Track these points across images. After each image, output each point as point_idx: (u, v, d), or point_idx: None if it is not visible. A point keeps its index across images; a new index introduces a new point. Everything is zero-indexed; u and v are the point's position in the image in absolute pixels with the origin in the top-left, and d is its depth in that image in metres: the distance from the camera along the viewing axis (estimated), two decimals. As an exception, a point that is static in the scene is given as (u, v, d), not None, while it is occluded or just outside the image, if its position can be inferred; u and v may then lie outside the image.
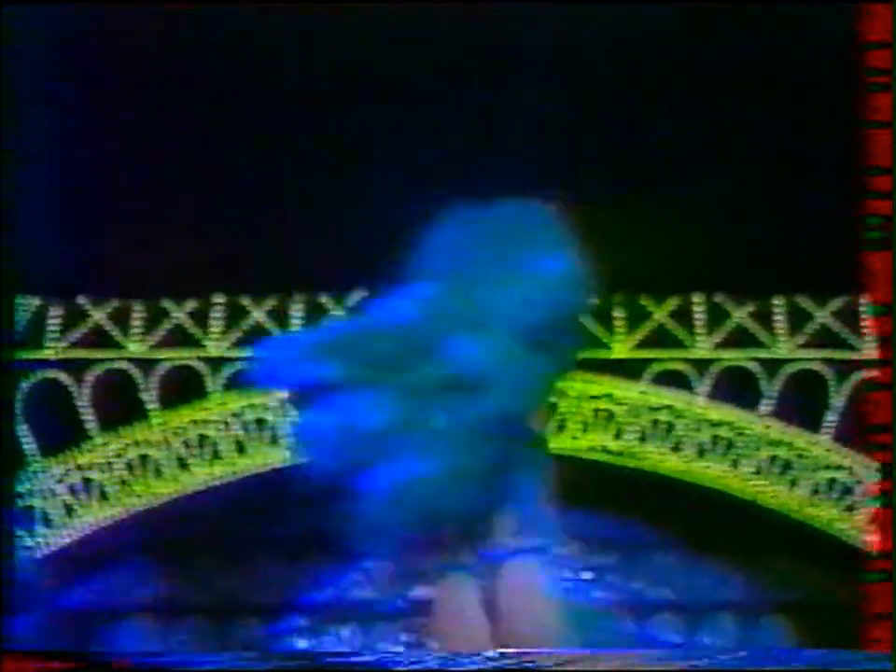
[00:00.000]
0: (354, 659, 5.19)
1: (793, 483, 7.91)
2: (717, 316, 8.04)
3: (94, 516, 8.04)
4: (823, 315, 7.97)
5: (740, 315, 8.08)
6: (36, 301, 8.07)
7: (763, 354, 8.04)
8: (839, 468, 7.83)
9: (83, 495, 8.07)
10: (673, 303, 8.06)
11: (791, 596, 7.87)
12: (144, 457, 8.08)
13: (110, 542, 8.09)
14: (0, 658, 5.01)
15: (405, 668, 4.75)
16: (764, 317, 8.06)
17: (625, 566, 8.17)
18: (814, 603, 7.71)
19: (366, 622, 7.87)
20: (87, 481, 8.07)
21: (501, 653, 5.00)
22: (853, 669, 4.90)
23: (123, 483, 8.07)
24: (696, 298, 8.05)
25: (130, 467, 8.10)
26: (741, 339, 8.04)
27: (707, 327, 8.03)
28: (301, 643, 8.00)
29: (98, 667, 4.91)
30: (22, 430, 7.96)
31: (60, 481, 8.04)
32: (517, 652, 5.05)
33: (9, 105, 6.45)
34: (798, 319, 8.02)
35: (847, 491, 7.80)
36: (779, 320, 8.02)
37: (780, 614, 7.96)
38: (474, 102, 7.68)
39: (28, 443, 7.98)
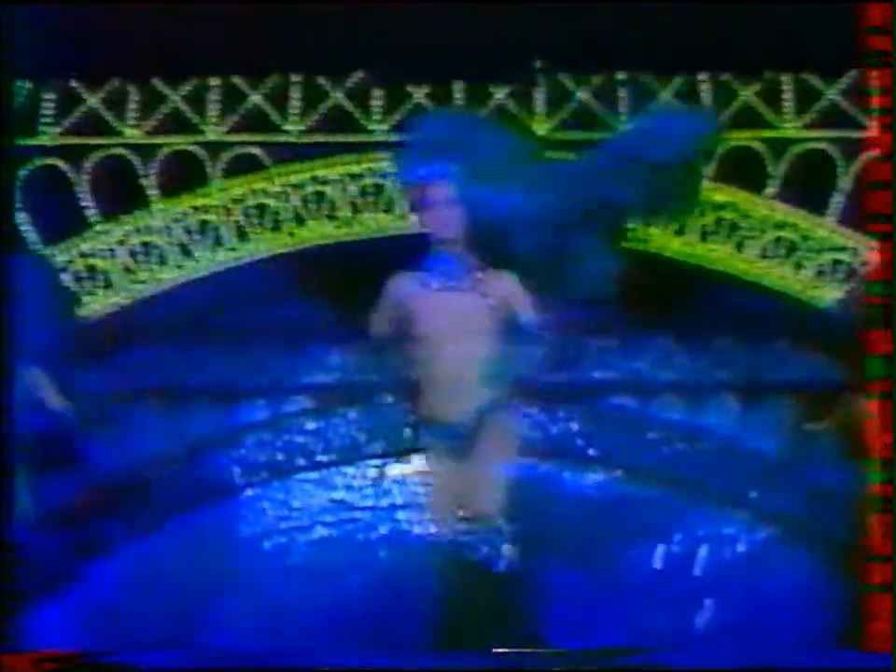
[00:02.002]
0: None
1: (798, 265, 7.87)
2: (723, 96, 7.90)
3: (101, 304, 8.06)
4: (832, 94, 7.82)
5: (747, 94, 7.94)
6: (28, 86, 7.97)
7: (769, 134, 7.93)
8: (844, 249, 7.78)
9: (88, 283, 8.08)
10: (678, 83, 7.90)
11: (792, 377, 7.91)
12: (146, 244, 8.07)
13: (118, 329, 8.14)
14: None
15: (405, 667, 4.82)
16: (772, 96, 7.92)
17: (627, 347, 8.22)
18: (815, 382, 7.77)
19: (371, 404, 7.93)
20: (91, 269, 8.07)
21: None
22: (853, 669, 4.96)
23: (127, 270, 8.07)
24: (702, 77, 7.88)
25: (133, 254, 8.09)
26: (747, 119, 7.91)
27: (712, 106, 7.89)
28: (310, 425, 8.07)
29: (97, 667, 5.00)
30: (23, 219, 7.97)
31: (63, 269, 8.04)
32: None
33: None
34: (806, 98, 7.88)
35: (852, 273, 7.76)
36: (787, 99, 7.89)
37: (782, 394, 8.02)
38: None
39: (29, 232, 7.99)
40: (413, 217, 5.93)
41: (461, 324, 5.46)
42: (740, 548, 7.93)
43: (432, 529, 5.59)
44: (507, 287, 5.58)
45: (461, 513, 5.48)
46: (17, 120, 7.81)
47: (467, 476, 5.49)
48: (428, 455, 5.59)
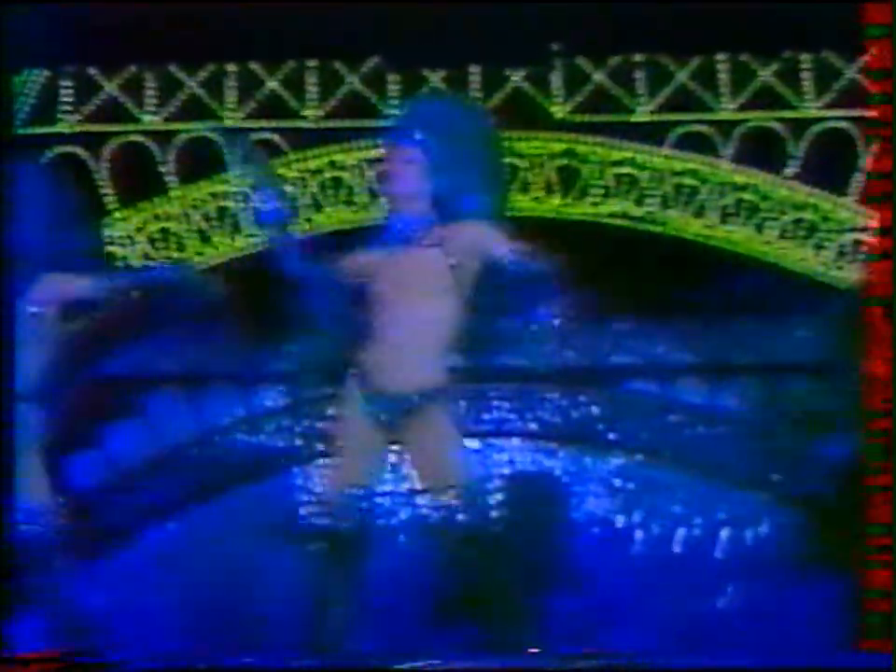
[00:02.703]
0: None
1: (819, 246, 7.82)
2: (741, 76, 7.85)
3: (121, 290, 8.08)
4: (852, 72, 7.75)
5: (765, 74, 7.88)
6: (45, 74, 7.99)
7: (789, 114, 7.87)
8: (865, 229, 7.71)
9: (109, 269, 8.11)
10: (696, 64, 7.87)
11: (813, 358, 7.87)
12: (165, 231, 8.09)
13: (139, 315, 8.16)
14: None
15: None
16: (791, 76, 7.85)
17: (647, 330, 8.19)
18: (834, 363, 7.72)
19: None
20: (110, 256, 8.09)
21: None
22: (853, 669, 4.93)
23: (146, 256, 8.09)
24: (720, 57, 7.84)
25: (152, 241, 8.11)
26: (767, 99, 7.86)
27: (731, 87, 7.85)
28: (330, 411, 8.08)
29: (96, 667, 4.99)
30: (42, 206, 8.00)
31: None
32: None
33: None
34: (826, 77, 7.81)
35: (872, 251, 7.68)
36: (806, 78, 7.82)
37: (801, 375, 7.98)
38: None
39: (49, 219, 8.02)
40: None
41: (417, 283, 5.22)
42: (761, 530, 7.92)
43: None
44: (473, 232, 5.26)
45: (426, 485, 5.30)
46: (33, 109, 7.90)
47: (412, 451, 5.33)
48: (358, 422, 5.30)
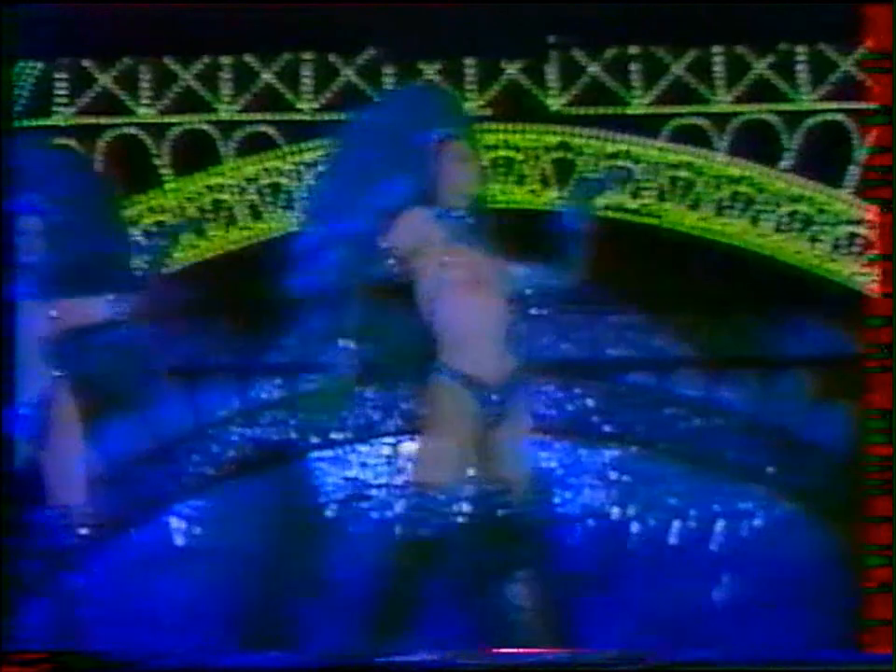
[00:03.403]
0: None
1: (814, 239, 7.83)
2: (737, 69, 7.86)
3: (115, 283, 8.09)
4: (847, 64, 7.76)
5: (761, 66, 7.87)
6: (40, 66, 7.99)
7: (784, 106, 7.87)
8: (860, 222, 7.72)
9: (104, 261, 8.11)
10: (691, 56, 7.87)
11: (809, 351, 7.88)
12: (160, 224, 8.09)
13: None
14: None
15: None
16: (786, 68, 7.86)
17: (642, 323, 8.21)
18: (832, 356, 7.74)
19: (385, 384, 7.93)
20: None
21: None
22: (853, 669, 4.93)
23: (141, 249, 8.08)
24: (715, 49, 7.84)
25: (147, 234, 8.10)
26: (762, 91, 7.86)
27: (726, 80, 7.85)
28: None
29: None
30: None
31: (78, 249, 8.08)
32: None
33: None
34: (821, 69, 7.82)
35: (869, 245, 7.70)
36: (801, 71, 7.83)
37: (798, 368, 8.00)
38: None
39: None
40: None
41: (488, 280, 5.19)
42: (757, 523, 7.94)
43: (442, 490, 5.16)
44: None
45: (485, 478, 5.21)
46: (28, 102, 7.90)
47: (491, 444, 5.21)
48: (451, 414, 5.14)
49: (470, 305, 5.18)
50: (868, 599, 5.84)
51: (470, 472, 5.19)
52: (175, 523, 8.07)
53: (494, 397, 5.14)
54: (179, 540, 8.04)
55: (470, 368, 5.13)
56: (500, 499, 5.16)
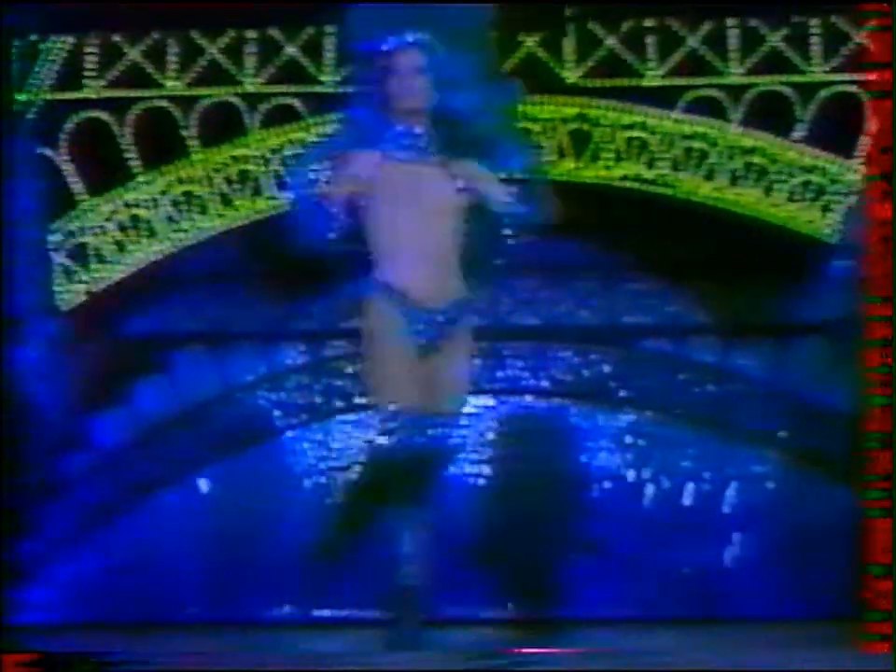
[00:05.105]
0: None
1: (826, 209, 7.95)
2: (750, 41, 7.97)
3: (144, 252, 8.30)
4: (860, 36, 7.85)
5: (774, 38, 7.99)
6: (71, 40, 8.20)
7: (797, 78, 7.98)
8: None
9: (132, 232, 8.32)
10: (706, 29, 7.99)
11: (821, 316, 8.01)
12: (188, 194, 8.28)
13: (161, 276, 8.38)
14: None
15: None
16: (799, 41, 7.97)
17: (658, 290, 8.36)
18: (843, 320, 7.86)
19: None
20: (135, 218, 8.30)
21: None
22: (853, 669, 4.97)
23: (170, 219, 8.28)
24: (729, 22, 7.95)
25: (175, 203, 8.31)
26: (776, 64, 7.96)
27: (740, 52, 7.97)
28: (349, 368, 8.26)
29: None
30: (70, 170, 8.23)
31: (108, 219, 8.28)
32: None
33: None
34: (834, 41, 7.92)
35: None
36: (814, 43, 7.94)
37: (812, 334, 8.13)
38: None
39: (76, 182, 8.24)
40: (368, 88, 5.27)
41: (431, 198, 5.03)
42: (768, 487, 8.10)
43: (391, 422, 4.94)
44: (475, 171, 5.11)
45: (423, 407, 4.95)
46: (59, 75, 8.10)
47: (432, 369, 5.00)
48: (391, 338, 4.94)
49: (403, 217, 4.99)
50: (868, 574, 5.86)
51: (408, 395, 4.93)
52: (203, 485, 8.29)
53: (426, 317, 4.97)
54: (206, 502, 8.24)
55: (400, 284, 4.94)
56: (417, 429, 4.91)
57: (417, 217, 4.99)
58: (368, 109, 5.12)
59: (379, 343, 4.97)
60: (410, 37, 5.11)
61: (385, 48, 5.10)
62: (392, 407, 4.91)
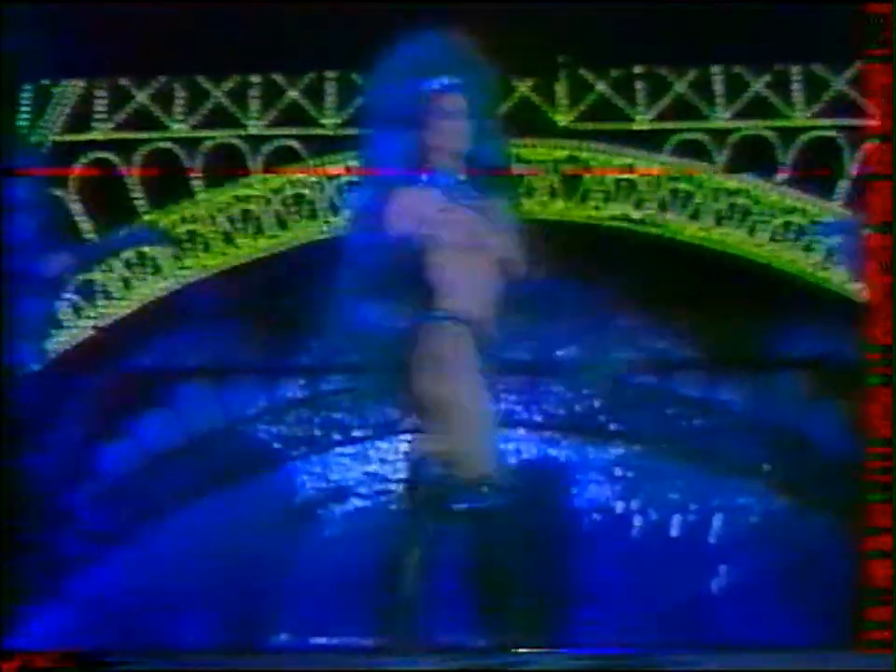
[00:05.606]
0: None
1: (808, 248, 8.22)
2: (735, 87, 8.26)
3: (150, 288, 8.54)
4: (839, 84, 8.15)
5: (758, 85, 8.29)
6: (81, 84, 8.48)
7: (780, 123, 8.28)
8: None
9: (139, 268, 8.56)
10: (692, 75, 8.28)
11: (804, 352, 8.26)
12: (192, 233, 8.53)
13: (167, 311, 8.60)
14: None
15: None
16: (782, 87, 8.27)
17: (646, 327, 8.59)
18: (825, 357, 8.11)
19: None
20: (141, 255, 8.54)
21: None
22: (853, 669, 5.12)
23: (175, 257, 8.53)
24: (715, 69, 8.25)
25: (179, 241, 8.55)
26: (759, 109, 8.26)
27: (725, 97, 8.27)
28: (347, 402, 8.48)
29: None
30: (79, 210, 8.49)
31: (115, 255, 8.53)
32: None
33: None
34: (814, 88, 8.22)
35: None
36: (796, 89, 8.24)
37: (795, 370, 8.37)
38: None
39: (83, 221, 8.50)
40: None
41: (482, 238, 4.92)
42: (753, 519, 8.31)
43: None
44: (502, 213, 5.04)
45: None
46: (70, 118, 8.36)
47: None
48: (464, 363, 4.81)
49: (462, 255, 4.88)
50: (864, 595, 5.94)
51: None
52: (202, 517, 8.48)
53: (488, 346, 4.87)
54: (205, 534, 8.42)
55: (465, 315, 4.82)
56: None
57: (474, 255, 4.93)
58: (405, 150, 5.02)
59: (450, 368, 4.81)
60: (451, 80, 5.02)
61: (431, 87, 5.00)
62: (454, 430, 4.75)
